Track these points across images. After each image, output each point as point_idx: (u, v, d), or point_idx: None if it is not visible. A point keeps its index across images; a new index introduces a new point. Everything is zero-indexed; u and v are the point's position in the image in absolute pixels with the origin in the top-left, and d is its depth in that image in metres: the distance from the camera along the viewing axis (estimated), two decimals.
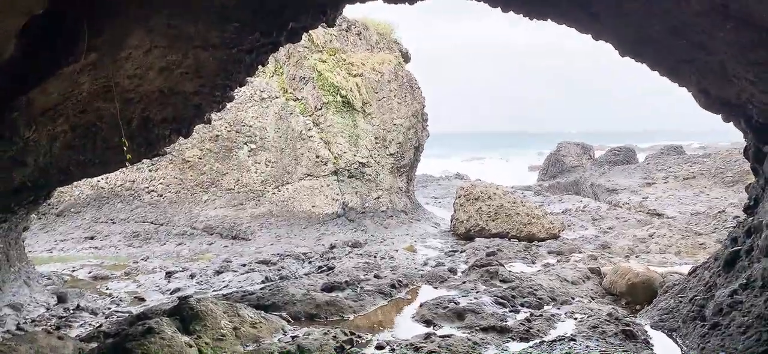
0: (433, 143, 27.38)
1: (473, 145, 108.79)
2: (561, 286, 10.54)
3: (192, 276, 12.22)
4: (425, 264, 13.41)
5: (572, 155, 36.06)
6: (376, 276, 11.41)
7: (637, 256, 13.29)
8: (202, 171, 18.31)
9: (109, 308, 9.93)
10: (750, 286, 6.85)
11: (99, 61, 6.33)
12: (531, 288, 10.13)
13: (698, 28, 5.72)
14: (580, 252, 14.02)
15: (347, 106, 19.30)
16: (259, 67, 8.59)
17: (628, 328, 7.72)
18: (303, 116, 18.96)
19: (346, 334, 7.70)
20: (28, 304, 9.52)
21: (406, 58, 22.07)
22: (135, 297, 10.71)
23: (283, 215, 17.99)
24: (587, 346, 7.21)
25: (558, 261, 13.25)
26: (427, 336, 7.88)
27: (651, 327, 8.09)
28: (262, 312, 8.52)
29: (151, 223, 17.42)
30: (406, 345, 7.50)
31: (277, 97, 18.93)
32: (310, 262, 13.55)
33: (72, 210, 17.97)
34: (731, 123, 7.65)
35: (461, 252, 14.83)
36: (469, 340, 7.64)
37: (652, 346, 7.39)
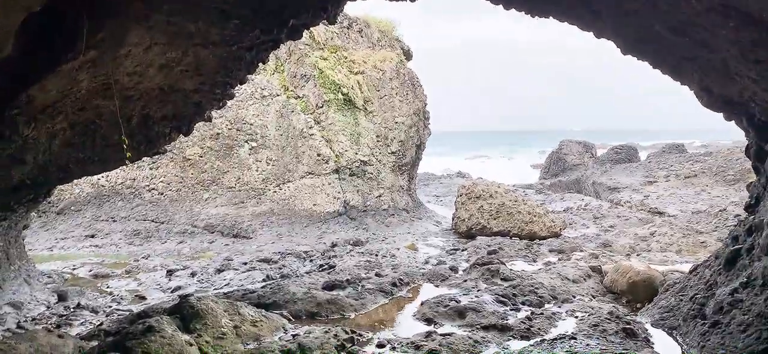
0: (434, 141, 27.36)
1: (475, 143, 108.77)
2: (562, 284, 10.52)
3: (193, 274, 12.21)
4: (426, 262, 13.40)
5: (574, 153, 36.05)
6: (377, 274, 11.40)
7: (638, 255, 13.27)
8: (203, 169, 18.31)
9: (110, 306, 9.92)
10: (750, 284, 6.83)
11: (99, 59, 6.31)
12: (532, 286, 10.11)
13: (700, 27, 5.69)
14: (582, 250, 14.00)
15: (348, 104, 19.29)
16: (260, 64, 8.58)
17: (628, 326, 7.71)
18: (304, 114, 18.94)
19: (347, 333, 7.68)
20: (29, 303, 9.52)
21: (408, 55, 22.05)
22: (136, 295, 10.71)
23: (285, 213, 17.98)
24: (588, 345, 7.20)
25: (559, 259, 13.23)
26: (428, 334, 7.87)
27: (651, 325, 8.07)
28: (263, 310, 8.51)
29: (152, 221, 17.42)
30: (407, 343, 7.49)
31: (278, 95, 18.92)
32: (311, 261, 13.54)
33: (72, 208, 17.97)
34: (733, 122, 7.62)
35: (462, 250, 14.82)
36: (470, 338, 7.63)
37: (653, 344, 7.37)
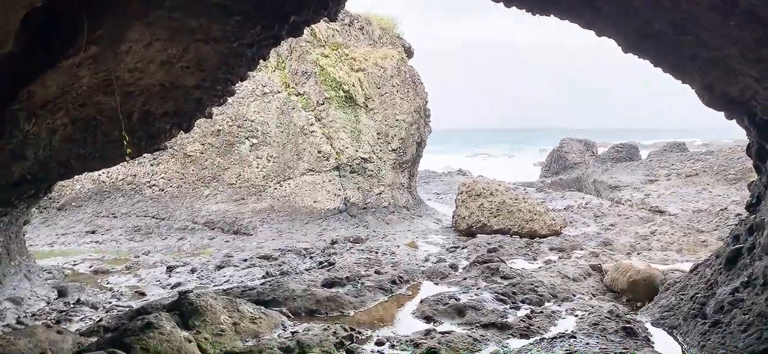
0: (435, 139, 27.34)
1: (476, 141, 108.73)
2: (562, 282, 10.52)
3: (193, 271, 12.22)
4: (426, 260, 13.39)
5: (575, 152, 36.02)
6: (376, 272, 11.39)
7: (638, 253, 13.26)
8: (204, 165, 18.31)
9: (110, 302, 9.92)
10: (751, 284, 6.82)
11: (99, 55, 6.31)
12: (532, 285, 10.10)
13: (701, 25, 5.67)
14: (582, 249, 14.00)
15: (349, 102, 19.28)
16: (261, 61, 8.56)
17: (628, 325, 7.70)
18: (305, 111, 18.94)
19: (346, 330, 7.68)
20: (29, 298, 9.52)
21: (409, 53, 22.02)
22: (136, 291, 10.70)
23: (285, 210, 17.99)
24: (587, 343, 7.18)
25: (559, 258, 13.23)
26: (428, 332, 7.86)
27: (652, 324, 8.06)
28: (262, 307, 8.51)
29: (153, 217, 17.43)
30: (406, 341, 7.48)
31: (279, 92, 18.91)
32: (311, 258, 13.54)
33: (73, 204, 17.98)
34: (734, 120, 7.61)
35: (462, 248, 14.81)
36: (470, 336, 7.62)
37: (653, 343, 7.35)
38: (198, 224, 17.13)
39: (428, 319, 8.77)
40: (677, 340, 7.45)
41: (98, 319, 8.71)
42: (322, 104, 19.05)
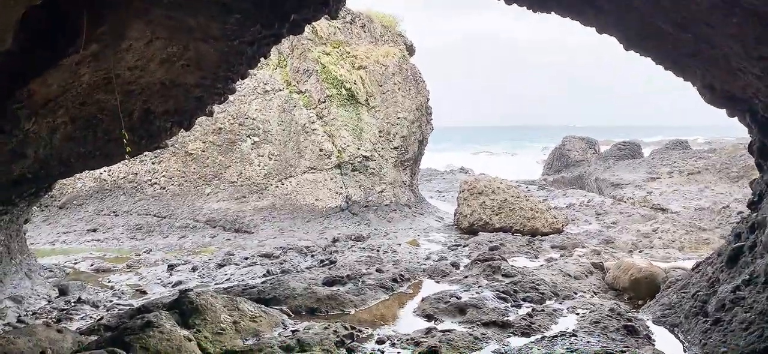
0: (437, 137, 27.31)
1: (478, 138, 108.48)
2: (563, 281, 10.50)
3: (194, 269, 12.22)
4: (428, 258, 13.37)
5: (577, 149, 35.98)
6: (378, 270, 11.38)
7: (640, 251, 13.24)
8: (205, 164, 18.32)
9: (111, 301, 9.93)
10: (753, 282, 6.80)
11: (100, 53, 6.29)
12: (533, 283, 10.09)
13: (703, 22, 5.65)
14: (584, 247, 13.97)
15: (351, 99, 19.26)
16: (262, 59, 8.54)
17: (630, 323, 7.69)
18: (306, 109, 18.92)
19: (346, 329, 7.67)
20: (30, 297, 9.53)
21: (411, 51, 21.99)
22: (137, 290, 10.71)
23: (286, 208, 17.99)
24: (588, 342, 7.17)
25: (561, 256, 13.21)
26: (428, 330, 7.85)
27: (653, 322, 8.04)
28: (263, 306, 8.50)
29: (154, 215, 17.44)
30: (407, 339, 7.48)
31: (280, 90, 18.90)
32: (312, 256, 13.53)
33: (74, 202, 18.00)
34: (736, 118, 7.58)
35: (464, 246, 14.79)
36: (470, 334, 7.61)
37: (654, 341, 7.35)
38: (199, 222, 17.14)
39: (429, 317, 8.76)
40: (679, 339, 7.44)
41: (99, 317, 8.71)
42: (324, 102, 19.04)
